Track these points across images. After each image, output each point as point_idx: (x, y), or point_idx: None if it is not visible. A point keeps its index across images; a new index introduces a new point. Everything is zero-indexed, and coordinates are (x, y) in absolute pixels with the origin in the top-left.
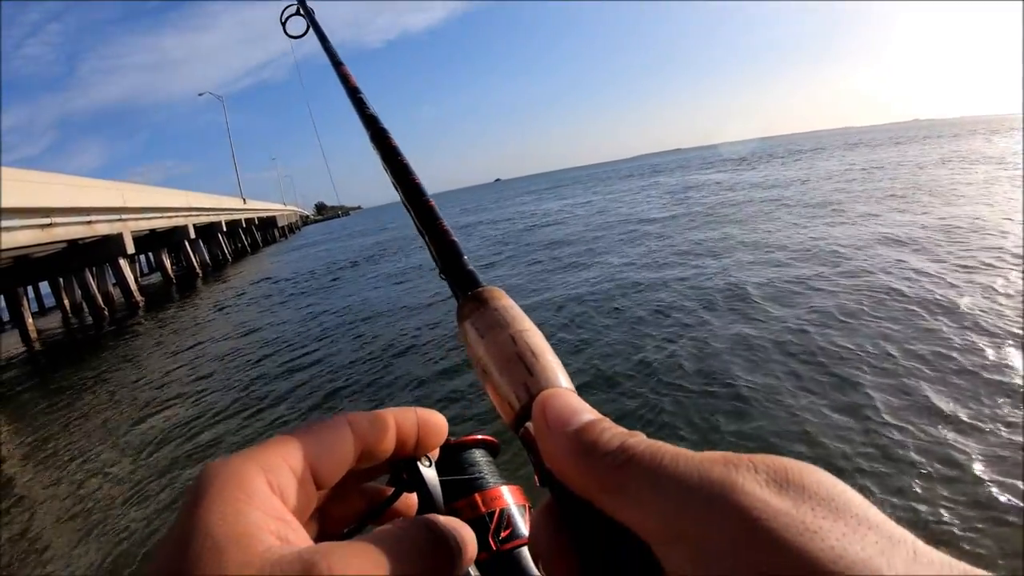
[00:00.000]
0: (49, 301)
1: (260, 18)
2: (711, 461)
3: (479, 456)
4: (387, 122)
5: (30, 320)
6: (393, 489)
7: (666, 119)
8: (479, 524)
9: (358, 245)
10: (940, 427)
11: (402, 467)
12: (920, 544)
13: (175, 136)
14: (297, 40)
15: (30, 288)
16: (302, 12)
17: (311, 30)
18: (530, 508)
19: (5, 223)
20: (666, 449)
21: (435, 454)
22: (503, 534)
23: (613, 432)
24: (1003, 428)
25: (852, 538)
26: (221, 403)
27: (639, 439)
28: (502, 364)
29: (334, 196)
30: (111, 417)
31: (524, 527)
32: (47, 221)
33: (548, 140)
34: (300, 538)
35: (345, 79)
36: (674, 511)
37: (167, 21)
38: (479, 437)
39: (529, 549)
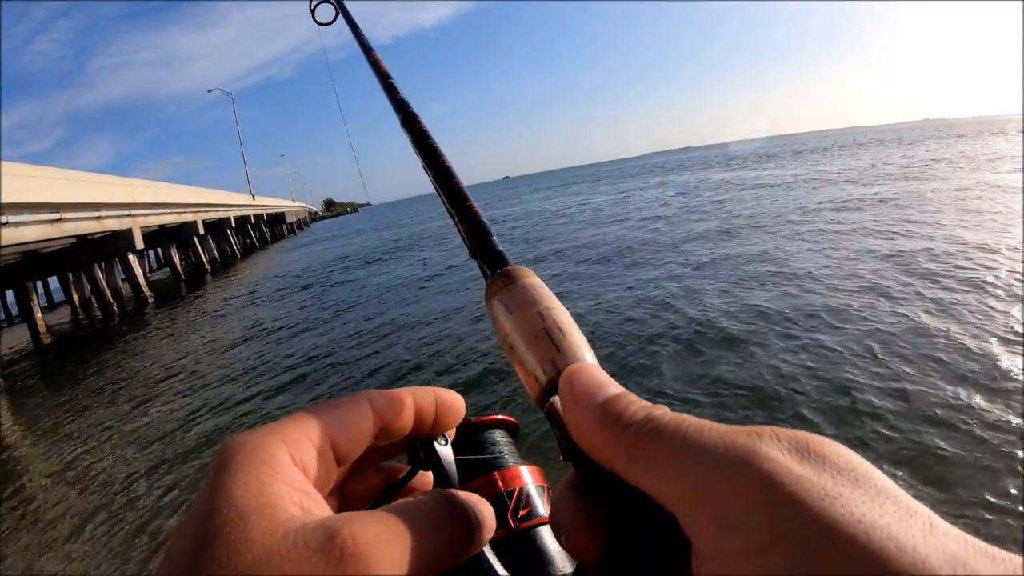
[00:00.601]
0: (58, 296)
1: (268, 15)
2: (735, 432)
3: (499, 436)
4: (395, 120)
5: (39, 315)
6: (409, 467)
7: (673, 118)
8: (498, 502)
9: (369, 241)
10: None
11: (419, 445)
12: (936, 517)
13: (183, 132)
14: (325, 28)
15: (39, 283)
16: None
17: (339, 16)
18: (549, 489)
19: (14, 218)
20: (691, 420)
21: (452, 434)
22: (521, 512)
23: (639, 404)
24: None
25: (871, 506)
26: (231, 394)
27: (663, 411)
28: (530, 340)
29: (347, 191)
30: (120, 409)
31: (542, 507)
32: (56, 216)
33: (556, 138)
34: (322, 510)
35: (376, 64)
36: (698, 477)
37: (175, 18)
38: (499, 417)
39: (551, 521)
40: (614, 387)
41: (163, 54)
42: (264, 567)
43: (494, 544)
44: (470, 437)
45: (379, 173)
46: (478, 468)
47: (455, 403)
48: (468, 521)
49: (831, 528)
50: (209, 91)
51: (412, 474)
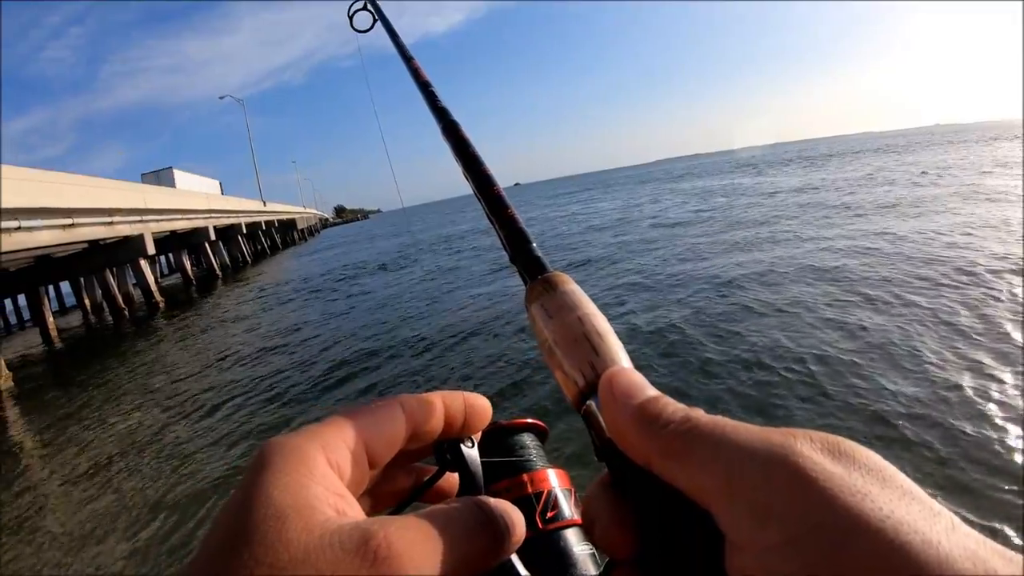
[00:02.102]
0: (70, 300)
1: (281, 21)
2: (770, 431)
3: (528, 440)
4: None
5: (51, 319)
6: (436, 468)
7: (681, 125)
8: (525, 503)
9: (382, 248)
10: None
11: (446, 447)
12: (957, 519)
13: (196, 138)
14: (364, 34)
15: (51, 287)
16: (369, 7)
17: (378, 23)
18: (575, 493)
19: (27, 223)
20: (727, 421)
21: (478, 436)
22: (549, 514)
23: (676, 406)
24: None
25: (898, 504)
26: (242, 399)
27: (700, 412)
28: (569, 344)
29: (397, 199)
30: (130, 413)
31: (569, 510)
32: (69, 221)
33: (566, 144)
34: (356, 513)
35: (416, 73)
36: (734, 470)
37: (188, 24)
38: (529, 421)
39: (584, 518)
40: (652, 390)
41: (176, 60)
42: (301, 566)
43: (522, 545)
44: (500, 439)
45: (388, 181)
46: (507, 470)
47: (483, 407)
48: (498, 527)
49: (861, 522)
50: (221, 98)
51: (439, 475)
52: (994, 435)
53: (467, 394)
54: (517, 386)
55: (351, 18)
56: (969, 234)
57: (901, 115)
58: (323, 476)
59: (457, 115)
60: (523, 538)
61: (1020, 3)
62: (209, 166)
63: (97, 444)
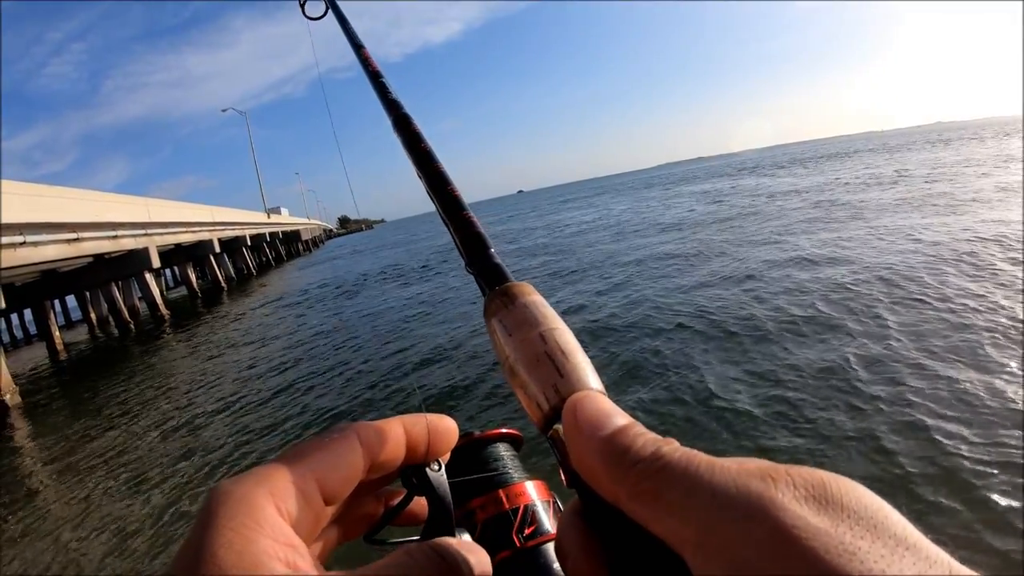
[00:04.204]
0: (76, 314)
1: (279, 34)
2: (748, 473)
3: (503, 451)
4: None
5: (57, 333)
6: (405, 493)
7: (680, 129)
8: (502, 521)
9: (387, 257)
10: None
11: (411, 473)
12: (956, 565)
13: (198, 151)
14: (316, 22)
15: (57, 301)
16: None
17: (329, 11)
18: (555, 503)
19: (32, 237)
20: (701, 458)
21: (446, 457)
22: (527, 531)
23: (646, 438)
24: None
25: (890, 559)
26: (248, 413)
27: (673, 446)
28: (531, 364)
29: (354, 210)
30: (136, 427)
31: (548, 523)
32: (74, 236)
33: (567, 151)
34: (308, 565)
35: (366, 62)
36: (709, 523)
37: (189, 39)
38: (503, 431)
39: (556, 548)
40: (621, 417)
41: (176, 75)
42: None
43: (501, 564)
44: (472, 453)
45: (394, 190)
46: (481, 486)
47: (447, 429)
48: (461, 574)
49: None
50: (223, 111)
51: (407, 501)
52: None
53: (431, 416)
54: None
55: (303, 6)
56: None
57: (901, 114)
58: (272, 527)
59: (455, 124)
60: None
61: (1020, 3)
62: (212, 179)
63: (103, 457)
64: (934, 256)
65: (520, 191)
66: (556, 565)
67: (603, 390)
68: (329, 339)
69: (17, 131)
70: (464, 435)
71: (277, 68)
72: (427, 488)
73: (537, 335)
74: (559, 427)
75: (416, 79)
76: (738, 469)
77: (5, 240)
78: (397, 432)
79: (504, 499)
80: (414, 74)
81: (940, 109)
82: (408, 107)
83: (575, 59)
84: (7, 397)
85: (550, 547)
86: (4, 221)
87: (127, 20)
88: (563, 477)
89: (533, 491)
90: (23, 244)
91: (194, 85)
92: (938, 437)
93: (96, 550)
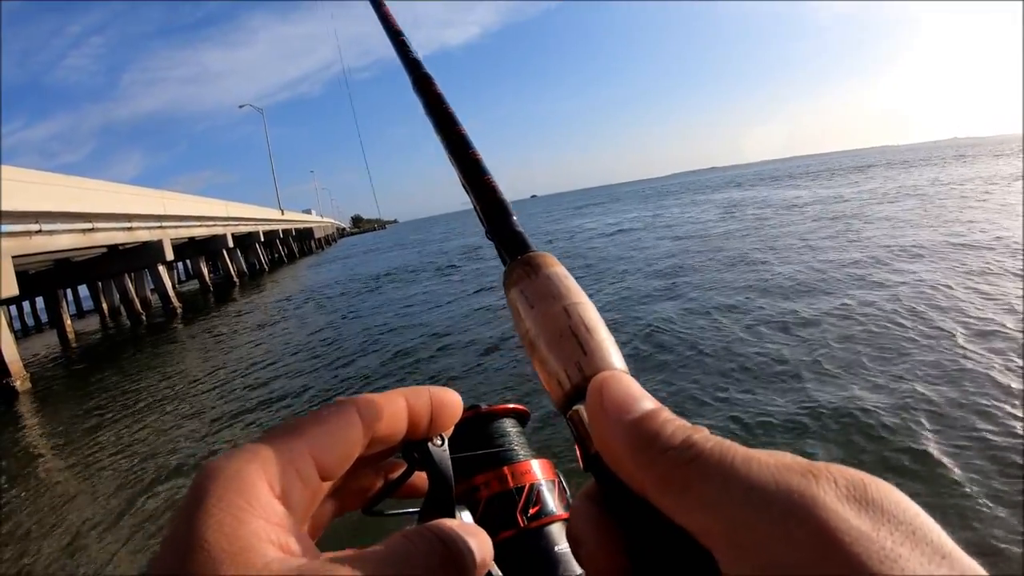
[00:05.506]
0: (87, 304)
1: (295, 34)
2: (787, 468)
3: (509, 427)
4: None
5: (68, 322)
6: (406, 467)
7: (695, 138)
8: (506, 499)
9: (401, 257)
10: None
11: (413, 447)
12: None
13: (214, 147)
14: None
15: (69, 291)
16: None
17: None
18: (560, 484)
19: (48, 226)
20: (736, 449)
21: (449, 431)
22: (532, 511)
23: (676, 425)
24: None
25: (928, 568)
26: (255, 402)
27: (704, 435)
28: (553, 339)
29: (374, 208)
30: (145, 416)
31: (553, 504)
32: (89, 226)
33: (582, 157)
34: (302, 545)
35: (385, 19)
36: (746, 519)
37: (207, 36)
38: (510, 406)
39: (569, 536)
40: (649, 401)
41: (194, 71)
42: None
43: (503, 544)
44: (478, 428)
45: (408, 190)
46: (486, 462)
47: (452, 402)
48: (462, 560)
49: None
50: (240, 107)
51: (408, 475)
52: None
53: (434, 389)
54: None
55: None
56: None
57: (917, 129)
58: (264, 507)
59: (471, 126)
60: (489, 562)
61: None
62: (227, 175)
63: (110, 444)
64: None
65: (534, 196)
66: (559, 547)
67: (628, 371)
68: (338, 330)
69: (35, 121)
70: (470, 408)
71: (293, 67)
72: (428, 463)
73: (561, 309)
74: (580, 407)
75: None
76: (776, 464)
77: (20, 228)
78: (398, 405)
79: (509, 477)
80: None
81: (958, 124)
82: (418, 108)
83: (592, 64)
84: (17, 383)
85: (554, 528)
86: (21, 209)
87: (144, 17)
88: (580, 460)
89: (539, 470)
90: (38, 232)
91: (211, 82)
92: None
93: (102, 536)
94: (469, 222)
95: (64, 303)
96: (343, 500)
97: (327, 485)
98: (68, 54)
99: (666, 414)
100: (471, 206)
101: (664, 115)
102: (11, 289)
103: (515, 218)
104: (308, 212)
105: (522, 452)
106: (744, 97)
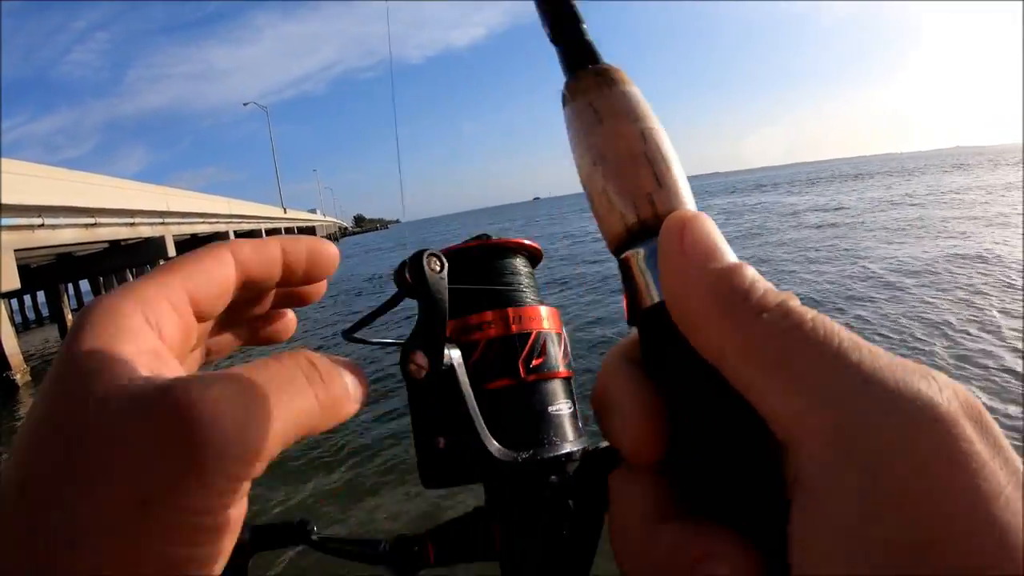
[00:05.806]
0: (89, 299)
1: (300, 33)
2: (906, 369)
3: (520, 265)
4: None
5: (69, 315)
6: (395, 294)
7: (696, 143)
8: (506, 345)
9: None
10: None
11: (407, 267)
12: None
13: (218, 144)
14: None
15: (70, 285)
16: None
17: None
18: (565, 340)
19: (50, 220)
20: (841, 330)
21: (326, 282)
22: (535, 362)
23: (769, 286)
24: None
25: None
26: None
27: (798, 303)
28: (623, 163)
29: (392, 208)
30: None
31: (558, 359)
32: (91, 221)
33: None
34: (173, 371)
35: None
36: (857, 415)
37: (212, 34)
38: (523, 241)
39: (594, 400)
40: (734, 254)
41: (200, 67)
42: (93, 430)
43: (496, 393)
44: (484, 261)
45: (409, 191)
46: (489, 299)
47: (328, 252)
48: (330, 388)
49: (999, 535)
50: (245, 104)
51: (396, 300)
52: None
53: (311, 239)
54: None
55: None
56: None
57: (919, 136)
58: (136, 335)
59: (475, 127)
60: (363, 401)
61: None
62: (231, 172)
63: None
64: None
65: (536, 198)
66: (554, 407)
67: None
68: (337, 330)
69: (40, 115)
70: (478, 237)
71: (298, 66)
72: (422, 289)
73: (637, 131)
74: (640, 251)
75: (438, 83)
76: (891, 359)
77: (23, 222)
78: (273, 249)
79: (513, 320)
80: (435, 78)
81: (960, 133)
82: (422, 108)
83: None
84: (18, 376)
85: (553, 384)
86: (24, 203)
87: (150, 14)
88: (626, 311)
89: (548, 318)
90: (41, 226)
91: (216, 79)
92: None
93: None
94: (469, 223)
95: (65, 297)
96: (238, 333)
97: (206, 325)
98: (73, 49)
99: (754, 271)
100: (469, 208)
101: (666, 117)
102: (12, 283)
103: (585, 26)
104: (313, 212)
105: (531, 295)
106: (747, 102)
